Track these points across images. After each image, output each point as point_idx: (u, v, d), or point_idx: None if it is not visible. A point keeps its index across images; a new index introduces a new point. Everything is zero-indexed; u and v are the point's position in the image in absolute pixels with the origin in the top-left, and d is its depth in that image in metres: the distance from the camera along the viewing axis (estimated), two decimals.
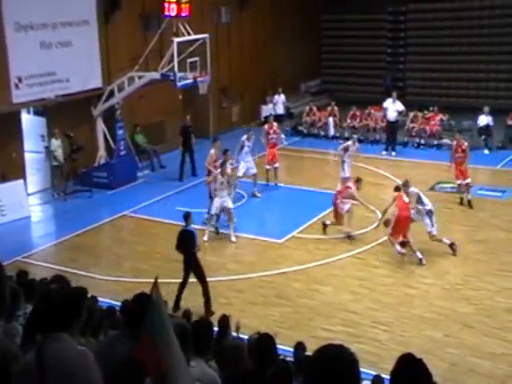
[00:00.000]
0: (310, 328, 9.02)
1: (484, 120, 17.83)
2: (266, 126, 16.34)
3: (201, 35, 15.69)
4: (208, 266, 11.21)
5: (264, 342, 5.36)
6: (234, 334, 7.25)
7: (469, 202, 13.44)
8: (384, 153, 18.09)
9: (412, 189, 11.50)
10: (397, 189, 11.56)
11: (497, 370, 7.86)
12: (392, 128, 18.22)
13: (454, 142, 14.13)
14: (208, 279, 10.65)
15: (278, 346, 5.94)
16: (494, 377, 7.73)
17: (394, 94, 18.36)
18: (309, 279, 10.72)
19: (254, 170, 14.96)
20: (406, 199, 11.19)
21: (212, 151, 13.62)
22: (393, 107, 18.08)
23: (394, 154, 18.05)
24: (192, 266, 9.68)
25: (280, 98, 21.02)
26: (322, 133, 20.15)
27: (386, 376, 6.46)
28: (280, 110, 21.10)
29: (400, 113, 18.30)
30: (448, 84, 22.16)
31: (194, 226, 13.07)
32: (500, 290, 10.00)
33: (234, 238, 12.22)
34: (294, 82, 23.14)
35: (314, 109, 20.71)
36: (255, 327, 8.69)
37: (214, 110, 20.55)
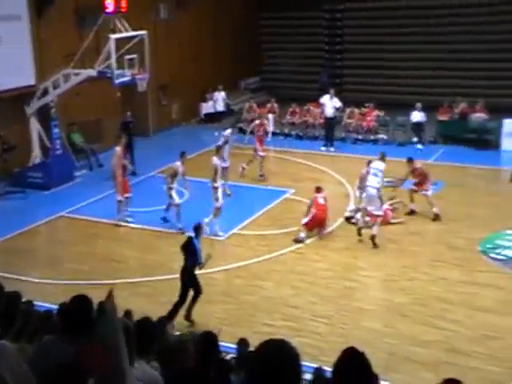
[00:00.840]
0: (252, 324, 9.10)
1: (417, 116, 18.45)
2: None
3: (139, 32, 15.48)
4: (150, 265, 11.16)
5: (207, 340, 5.40)
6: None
7: (436, 215, 12.84)
8: (323, 148, 18.44)
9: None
10: (317, 190, 12.40)
11: (430, 357, 8.17)
12: (330, 124, 18.58)
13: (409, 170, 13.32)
14: (150, 278, 10.62)
15: (221, 344, 6.00)
16: (427, 363, 8.03)
17: (332, 91, 18.72)
18: (251, 275, 10.81)
19: (227, 163, 14.50)
20: (322, 201, 12.20)
21: (118, 148, 13.12)
22: (330, 103, 18.43)
23: (332, 149, 18.43)
24: (184, 277, 9.18)
25: (220, 95, 21.03)
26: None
27: (327, 368, 6.63)
28: (220, 107, 21.13)
29: (337, 109, 18.67)
30: (383, 81, 22.80)
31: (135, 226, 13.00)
32: (433, 279, 10.40)
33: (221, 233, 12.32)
34: (233, 79, 23.21)
35: (254, 106, 20.82)
36: (198, 325, 8.75)
37: (153, 107, 20.33)
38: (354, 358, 2.57)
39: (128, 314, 7.38)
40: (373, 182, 12.02)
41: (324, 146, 18.56)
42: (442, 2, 22.02)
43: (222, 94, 20.95)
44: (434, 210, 12.91)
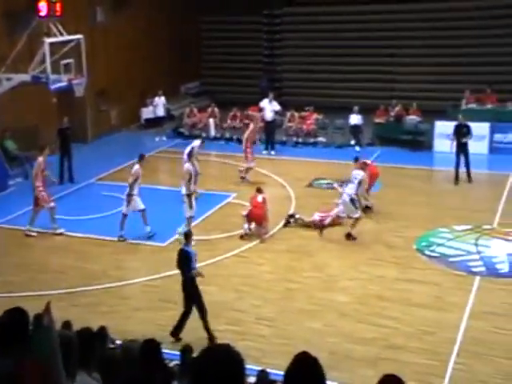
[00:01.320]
0: (195, 330, 9.05)
1: (354, 119, 18.94)
2: None
3: (75, 36, 15.19)
4: (89, 274, 10.94)
5: (150, 348, 5.37)
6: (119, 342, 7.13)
7: (367, 207, 13.44)
8: (264, 152, 18.62)
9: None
10: (258, 190, 12.80)
11: (369, 354, 8.37)
12: (270, 127, 18.80)
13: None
14: (90, 288, 10.40)
15: (165, 351, 5.97)
16: (365, 360, 8.23)
17: (271, 95, 18.96)
18: None
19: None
20: (260, 199, 12.58)
21: (40, 159, 12.71)
22: (269, 107, 18.67)
23: (273, 152, 18.63)
24: (186, 288, 8.80)
25: (160, 100, 20.86)
26: (204, 134, 20.29)
27: (271, 370, 6.72)
28: (160, 112, 20.96)
29: (276, 112, 18.92)
30: (322, 84, 23.26)
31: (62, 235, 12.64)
32: (371, 278, 10.67)
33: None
34: (174, 83, 23.09)
35: (195, 110, 20.82)
36: (141, 333, 8.64)
37: (91, 113, 19.94)
38: (307, 363, 2.58)
39: (67, 325, 7.22)
40: (349, 189, 12.42)
41: (265, 149, 18.74)
42: (377, 8, 22.73)
43: (162, 98, 20.78)
44: (367, 202, 13.41)
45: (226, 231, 12.73)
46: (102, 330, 6.57)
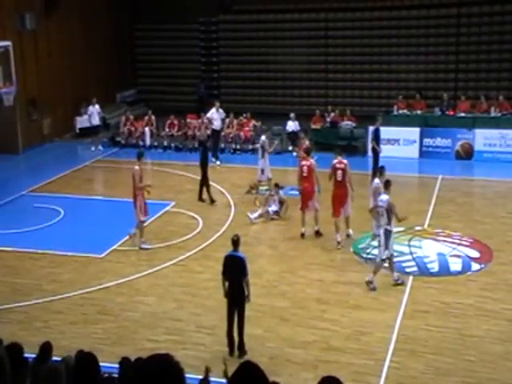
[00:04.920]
0: (134, 341, 8.95)
1: (291, 125, 19.22)
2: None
3: (2, 42, 14.71)
4: (21, 290, 10.59)
5: (85, 362, 5.24)
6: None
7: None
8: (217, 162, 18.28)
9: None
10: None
11: (309, 357, 8.49)
12: (218, 136, 18.78)
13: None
14: (22, 304, 10.06)
15: (103, 364, 5.84)
16: (306, 363, 8.35)
17: (218, 103, 18.92)
18: (132, 291, 10.62)
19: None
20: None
21: (136, 167, 11.94)
22: (218, 116, 18.64)
23: (218, 162, 18.43)
24: (236, 294, 8.55)
25: (95, 109, 20.48)
26: (141, 143, 20.08)
27: (212, 378, 6.69)
28: (95, 121, 20.56)
29: (223, 120, 18.97)
30: (258, 91, 23.51)
31: None
32: (310, 282, 10.83)
33: None
34: (109, 91, 22.73)
35: (131, 119, 20.55)
36: (76, 348, 8.42)
37: (22, 122, 19.31)
38: (249, 370, 2.66)
39: None
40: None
41: (215, 158, 18.35)
42: (310, 17, 23.19)
43: (97, 107, 20.40)
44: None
45: (165, 240, 12.62)
46: (46, 345, 6.35)
